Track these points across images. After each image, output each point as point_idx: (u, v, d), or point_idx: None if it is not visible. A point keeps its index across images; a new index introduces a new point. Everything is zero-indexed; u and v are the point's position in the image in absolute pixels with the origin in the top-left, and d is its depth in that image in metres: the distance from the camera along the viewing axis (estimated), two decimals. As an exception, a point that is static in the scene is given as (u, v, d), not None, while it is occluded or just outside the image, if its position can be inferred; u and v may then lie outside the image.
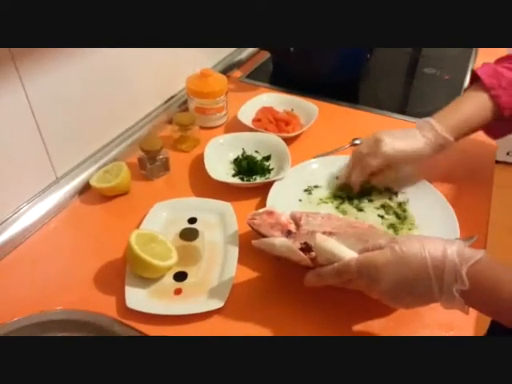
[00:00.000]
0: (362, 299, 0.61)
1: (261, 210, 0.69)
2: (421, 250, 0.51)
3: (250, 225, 0.67)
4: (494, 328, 0.84)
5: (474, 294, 0.48)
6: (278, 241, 0.60)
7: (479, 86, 0.75)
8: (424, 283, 0.50)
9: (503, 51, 1.28)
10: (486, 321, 0.53)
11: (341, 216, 0.75)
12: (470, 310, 0.61)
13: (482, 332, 0.87)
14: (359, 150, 0.77)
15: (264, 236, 0.65)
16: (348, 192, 0.80)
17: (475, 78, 0.77)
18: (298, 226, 0.68)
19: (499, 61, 0.79)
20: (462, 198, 0.78)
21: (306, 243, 0.61)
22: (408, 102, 1.14)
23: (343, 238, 0.65)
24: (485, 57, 1.28)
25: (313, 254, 0.59)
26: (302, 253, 0.59)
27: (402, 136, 0.75)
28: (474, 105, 0.75)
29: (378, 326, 0.61)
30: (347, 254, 0.55)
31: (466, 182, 0.84)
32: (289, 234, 0.66)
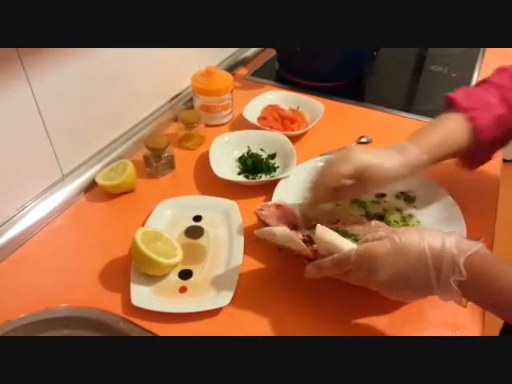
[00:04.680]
0: (366, 298, 0.61)
1: (269, 202, 0.70)
2: (420, 241, 0.51)
3: (257, 215, 0.68)
4: (508, 328, 0.84)
5: (471, 285, 0.48)
6: (279, 230, 0.60)
7: (454, 109, 0.71)
8: (422, 274, 0.50)
9: (510, 50, 1.27)
10: (497, 322, 0.52)
11: (349, 213, 0.75)
12: (478, 310, 0.61)
13: (493, 332, 0.86)
14: (330, 158, 0.69)
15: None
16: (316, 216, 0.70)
17: (449, 103, 0.72)
18: (305, 221, 0.69)
19: (475, 86, 0.75)
20: (468, 198, 0.78)
21: (308, 236, 0.62)
22: (414, 99, 1.14)
23: (350, 233, 0.66)
24: (492, 54, 1.27)
25: (315, 246, 0.59)
26: (302, 242, 0.59)
27: (375, 153, 0.67)
28: (449, 127, 0.70)
29: (383, 325, 0.61)
30: (347, 245, 0.56)
31: (473, 181, 0.83)
32: (295, 228, 0.67)
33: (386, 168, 0.65)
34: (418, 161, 0.67)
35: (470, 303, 0.51)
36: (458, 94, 0.72)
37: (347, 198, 0.72)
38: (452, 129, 0.69)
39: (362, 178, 0.65)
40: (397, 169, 0.65)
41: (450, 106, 0.72)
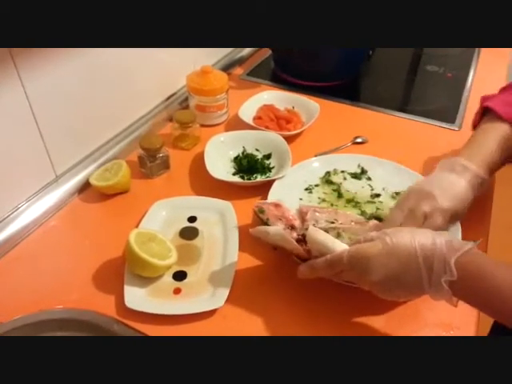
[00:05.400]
0: (362, 297, 0.61)
1: (269, 201, 0.70)
2: (411, 241, 0.51)
3: (255, 212, 0.68)
4: (497, 328, 0.84)
5: (462, 284, 0.49)
6: (273, 229, 0.61)
7: (494, 118, 0.73)
8: (413, 274, 0.51)
9: (506, 50, 1.27)
10: (489, 321, 0.53)
11: (348, 212, 0.75)
12: (471, 312, 0.61)
13: (484, 332, 0.86)
14: (418, 208, 0.64)
15: (267, 225, 0.66)
16: None
17: (484, 111, 0.75)
18: (303, 220, 0.69)
19: (502, 90, 0.78)
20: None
21: (303, 235, 0.62)
22: (410, 99, 1.14)
23: (349, 232, 0.66)
24: (488, 54, 1.28)
25: (308, 246, 0.59)
26: (294, 241, 0.59)
27: (447, 185, 0.67)
28: (497, 138, 0.71)
29: (379, 325, 0.61)
30: (339, 246, 0.56)
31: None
32: (292, 228, 0.67)
33: (466, 199, 0.67)
34: (479, 180, 0.68)
35: (461, 302, 0.51)
36: (495, 103, 0.73)
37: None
38: (503, 139, 0.71)
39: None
40: (466, 194, 0.67)
41: (487, 114, 0.74)
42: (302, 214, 0.71)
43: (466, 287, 0.49)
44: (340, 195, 0.79)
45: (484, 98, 0.77)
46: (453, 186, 0.67)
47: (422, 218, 0.64)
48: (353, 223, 0.69)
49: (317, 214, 0.70)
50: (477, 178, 0.68)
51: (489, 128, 0.72)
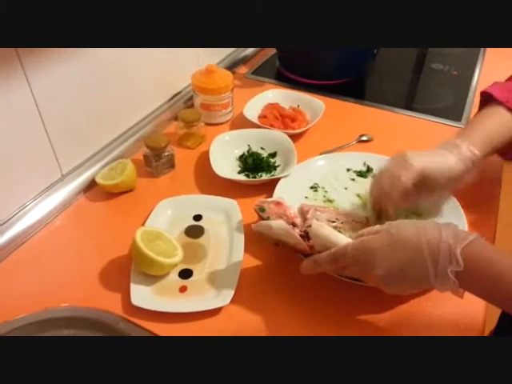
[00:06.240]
0: (366, 296, 0.61)
1: (269, 199, 0.70)
2: (416, 233, 0.51)
3: (256, 211, 0.68)
4: (501, 327, 0.84)
5: (468, 274, 0.48)
6: (275, 223, 0.61)
7: (493, 103, 0.72)
8: (419, 265, 0.50)
9: (510, 50, 1.26)
10: (495, 314, 0.52)
11: (349, 211, 0.74)
12: (477, 310, 0.60)
13: (490, 327, 0.86)
14: (387, 169, 0.68)
15: None
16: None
17: (486, 99, 0.75)
18: (304, 219, 0.69)
19: (508, 80, 0.78)
20: (470, 196, 0.77)
21: (305, 231, 0.62)
22: (415, 97, 1.13)
23: (350, 231, 0.66)
24: (493, 52, 1.27)
25: (311, 241, 0.59)
26: (297, 235, 0.59)
27: (429, 154, 0.68)
28: (493, 119, 0.71)
29: (383, 325, 0.60)
30: (342, 240, 0.56)
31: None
32: (294, 225, 0.67)
33: (447, 168, 0.65)
34: (471, 156, 0.67)
35: (467, 298, 0.51)
36: (493, 88, 0.73)
37: (411, 204, 0.69)
38: (497, 121, 0.70)
39: (426, 182, 0.65)
40: (455, 167, 0.66)
41: (487, 100, 0.73)
42: (303, 213, 0.71)
43: (472, 277, 0.49)
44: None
45: (490, 85, 0.77)
46: (437, 157, 0.67)
47: (387, 178, 0.65)
48: (353, 222, 0.69)
49: (318, 212, 0.70)
50: (468, 155, 0.67)
51: (486, 112, 0.72)
